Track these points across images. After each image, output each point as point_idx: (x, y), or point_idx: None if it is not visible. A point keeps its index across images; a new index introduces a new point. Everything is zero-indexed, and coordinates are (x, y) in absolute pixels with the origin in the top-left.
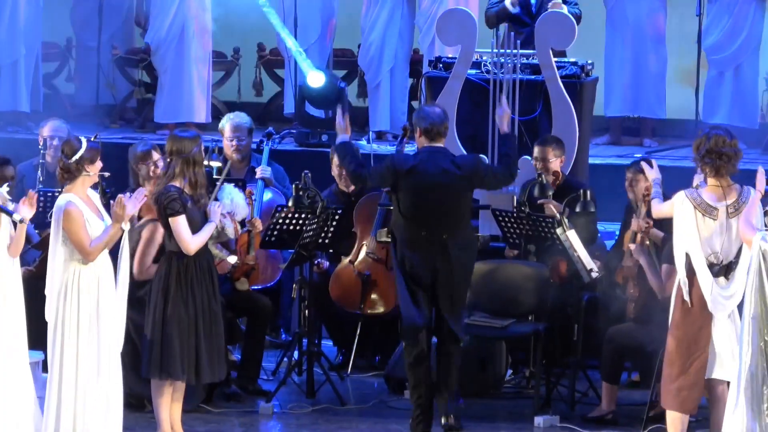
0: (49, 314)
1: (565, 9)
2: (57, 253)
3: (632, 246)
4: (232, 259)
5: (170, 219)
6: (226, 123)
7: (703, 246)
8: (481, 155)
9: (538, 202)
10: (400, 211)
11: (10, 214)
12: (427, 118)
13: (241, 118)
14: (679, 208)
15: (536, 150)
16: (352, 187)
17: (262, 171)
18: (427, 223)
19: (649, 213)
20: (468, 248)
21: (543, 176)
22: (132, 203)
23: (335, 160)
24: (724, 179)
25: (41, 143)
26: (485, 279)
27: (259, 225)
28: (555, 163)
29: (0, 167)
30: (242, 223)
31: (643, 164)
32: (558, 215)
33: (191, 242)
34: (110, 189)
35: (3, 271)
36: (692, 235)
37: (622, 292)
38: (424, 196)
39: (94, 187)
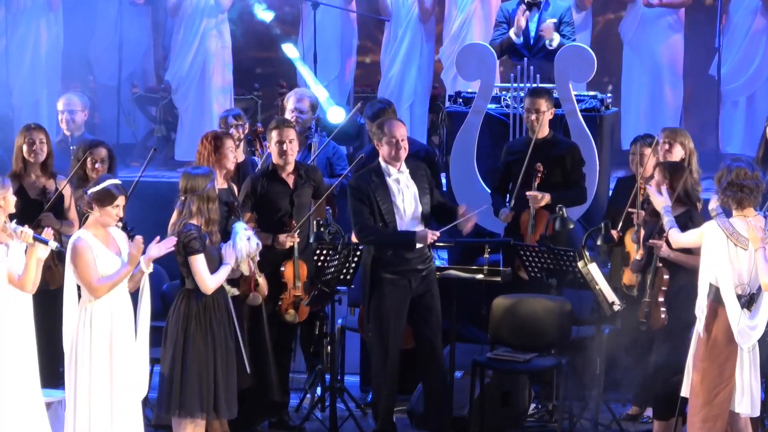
0: (66, 351)
1: (556, 38)
2: (71, 289)
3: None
4: (235, 292)
5: (190, 258)
6: (291, 95)
7: (733, 276)
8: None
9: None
10: None
11: (45, 242)
12: None
13: (308, 90)
14: (710, 237)
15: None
16: None
17: None
18: None
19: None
20: None
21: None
22: (158, 248)
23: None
24: (748, 210)
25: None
26: (507, 313)
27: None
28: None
29: (91, 148)
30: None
31: (651, 190)
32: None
33: (210, 282)
34: (131, 227)
35: (5, 305)
36: (724, 266)
37: (628, 292)
38: None
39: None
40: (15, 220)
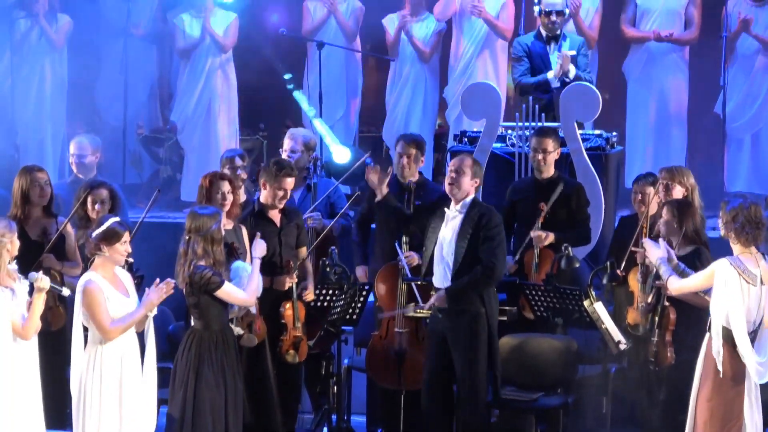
0: (73, 394)
1: (572, 69)
2: (78, 331)
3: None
4: (239, 332)
5: (217, 293)
6: (286, 136)
7: (746, 314)
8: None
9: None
10: None
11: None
12: None
13: (303, 130)
14: (722, 276)
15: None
16: (412, 179)
17: (314, 221)
18: None
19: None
20: None
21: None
22: (157, 293)
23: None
24: (754, 247)
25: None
26: (514, 352)
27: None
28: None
29: (92, 188)
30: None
31: (647, 242)
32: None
33: (249, 295)
34: (138, 267)
35: (7, 351)
36: (737, 304)
37: (633, 331)
38: None
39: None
40: (15, 261)
